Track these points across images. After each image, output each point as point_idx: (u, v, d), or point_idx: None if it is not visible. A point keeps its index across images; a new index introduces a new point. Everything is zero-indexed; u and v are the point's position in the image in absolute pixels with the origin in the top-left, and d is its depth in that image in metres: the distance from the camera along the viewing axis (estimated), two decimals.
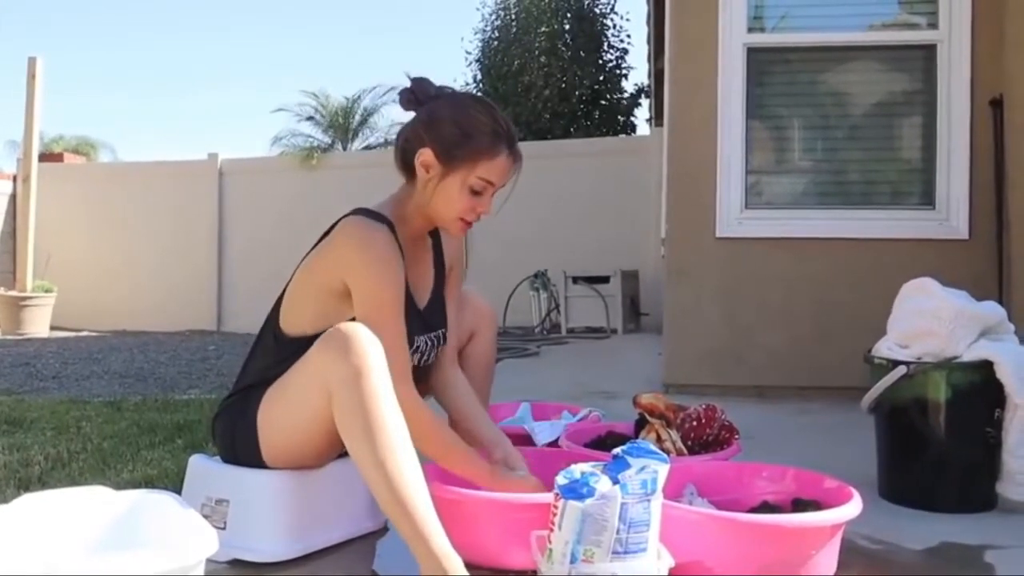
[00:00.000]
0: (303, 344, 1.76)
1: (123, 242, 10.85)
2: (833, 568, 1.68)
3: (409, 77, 1.93)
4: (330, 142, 14.10)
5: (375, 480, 1.52)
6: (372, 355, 1.58)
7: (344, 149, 14.11)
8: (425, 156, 1.84)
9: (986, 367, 2.15)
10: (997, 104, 3.87)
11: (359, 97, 14.59)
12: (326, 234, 1.89)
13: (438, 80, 1.96)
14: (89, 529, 1.42)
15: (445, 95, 1.92)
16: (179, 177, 10.87)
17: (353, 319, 1.77)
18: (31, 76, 9.66)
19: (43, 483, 2.55)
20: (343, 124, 14.43)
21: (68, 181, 11.06)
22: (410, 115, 1.94)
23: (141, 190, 10.87)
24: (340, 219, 1.87)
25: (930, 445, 2.25)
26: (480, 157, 1.82)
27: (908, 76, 4.20)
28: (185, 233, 10.73)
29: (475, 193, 1.85)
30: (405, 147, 1.90)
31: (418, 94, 1.91)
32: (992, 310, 2.26)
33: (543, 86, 12.62)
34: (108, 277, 10.79)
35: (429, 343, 1.97)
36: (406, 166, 1.90)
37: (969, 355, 2.18)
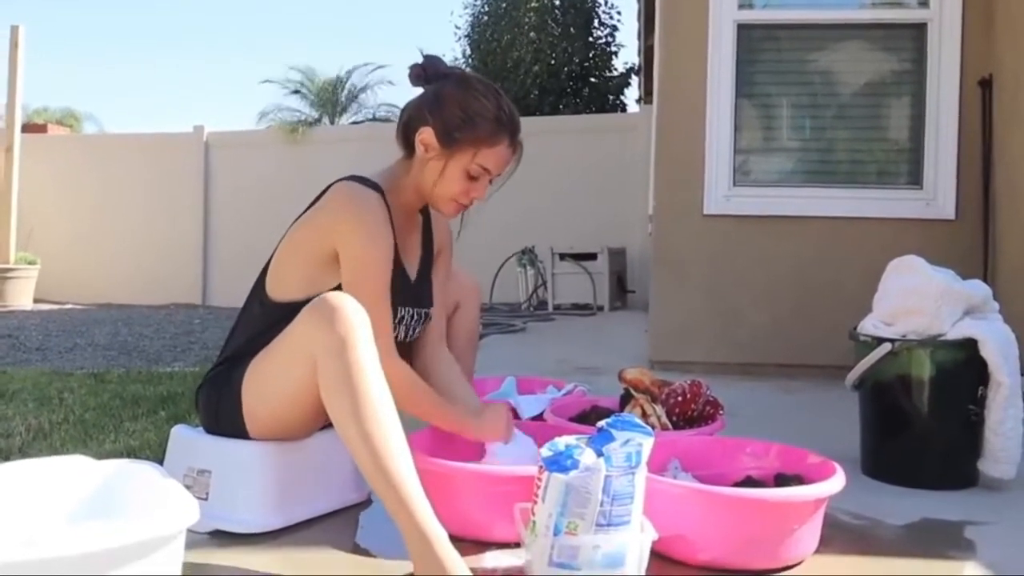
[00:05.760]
0: (291, 310, 1.74)
1: (108, 214, 10.77)
2: (816, 543, 1.69)
3: (422, 54, 1.92)
4: (317, 116, 13.99)
5: (360, 452, 1.51)
6: (358, 325, 1.57)
7: (332, 123, 14.01)
8: (425, 135, 1.83)
9: (970, 345, 2.15)
10: (986, 84, 3.87)
11: (349, 73, 14.49)
12: (316, 199, 1.87)
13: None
14: (68, 499, 1.40)
15: (454, 75, 1.90)
16: (165, 150, 10.79)
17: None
18: (13, 45, 9.54)
19: (24, 453, 2.53)
20: (331, 98, 14.34)
21: (52, 152, 10.96)
22: (401, 92, 1.93)
23: (126, 162, 10.79)
24: (331, 184, 1.86)
25: (913, 422, 2.26)
26: (480, 144, 1.81)
27: (898, 55, 4.18)
28: (170, 206, 10.66)
29: (471, 178, 1.84)
30: (408, 123, 1.88)
31: (428, 71, 1.90)
32: (977, 288, 2.26)
33: (532, 62, 12.54)
34: (92, 250, 10.73)
35: (415, 316, 1.96)
36: (406, 141, 1.89)
37: (954, 333, 2.18)
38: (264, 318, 1.84)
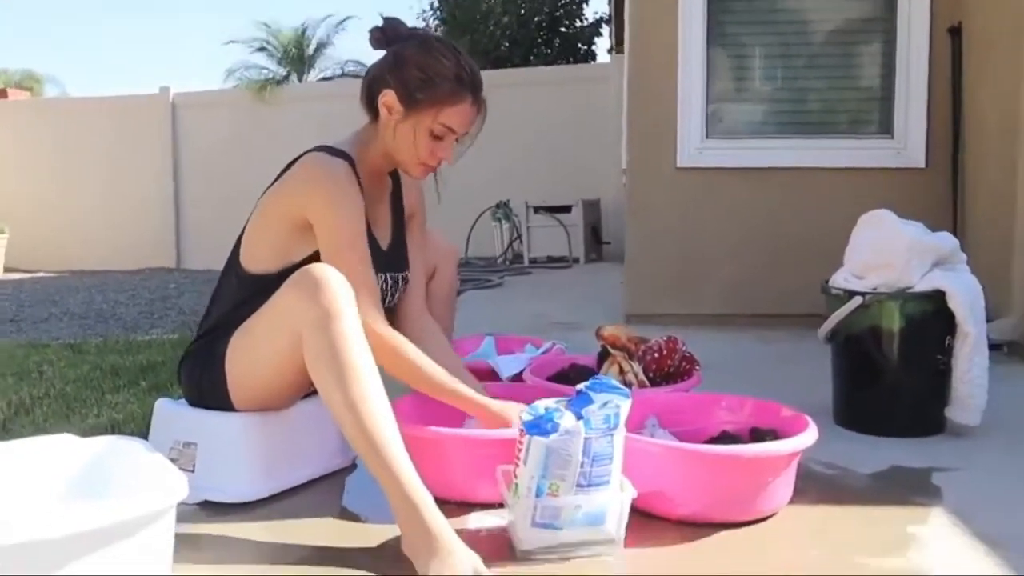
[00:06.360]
0: (266, 281, 1.75)
1: (76, 180, 10.61)
2: (790, 494, 1.74)
3: (382, 16, 1.91)
4: (285, 74, 13.76)
5: (347, 421, 1.53)
6: (342, 297, 1.58)
7: (300, 81, 13.79)
8: (388, 97, 1.84)
9: (938, 297, 2.20)
10: (956, 32, 3.88)
11: (309, 27, 14.22)
12: (285, 169, 1.88)
13: (395, 8, 1.93)
14: (57, 478, 1.42)
15: (415, 37, 1.90)
16: (131, 112, 10.61)
17: (315, 253, 1.77)
18: None
19: (7, 430, 2.54)
20: (297, 55, 14.09)
21: (14, 117, 10.74)
22: (368, 49, 1.92)
23: (91, 126, 10.61)
24: (300, 155, 1.86)
25: (884, 373, 2.31)
26: (442, 103, 1.82)
27: (869, 3, 4.18)
28: (139, 169, 10.52)
29: (436, 138, 1.85)
30: (370, 86, 1.89)
31: (388, 34, 1.90)
32: (945, 241, 2.30)
33: (502, 13, 12.39)
34: (61, 216, 10.58)
35: (391, 281, 1.98)
36: (370, 105, 1.89)
37: (922, 285, 2.23)
38: (240, 291, 1.86)
